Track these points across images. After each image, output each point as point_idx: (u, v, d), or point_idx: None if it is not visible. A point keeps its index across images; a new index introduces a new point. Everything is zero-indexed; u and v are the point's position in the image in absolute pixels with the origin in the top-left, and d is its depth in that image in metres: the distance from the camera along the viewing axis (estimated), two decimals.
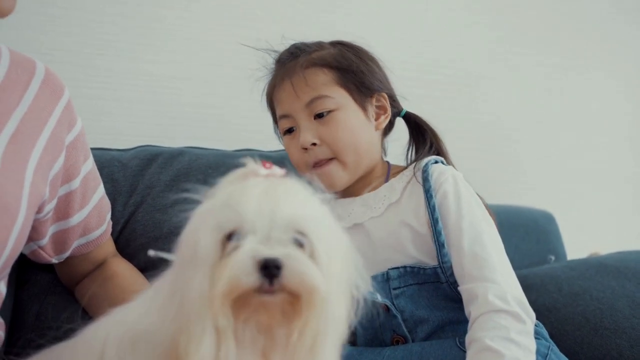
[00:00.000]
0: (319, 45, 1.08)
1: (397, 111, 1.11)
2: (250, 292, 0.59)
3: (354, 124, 1.03)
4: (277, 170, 0.66)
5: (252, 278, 0.58)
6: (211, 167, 1.22)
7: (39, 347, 0.75)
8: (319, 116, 1.02)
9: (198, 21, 1.47)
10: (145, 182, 1.18)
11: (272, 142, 1.29)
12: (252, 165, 0.65)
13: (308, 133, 1.02)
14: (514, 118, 1.88)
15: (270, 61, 1.11)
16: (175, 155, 1.23)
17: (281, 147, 1.33)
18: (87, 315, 0.96)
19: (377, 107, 1.08)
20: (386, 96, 1.08)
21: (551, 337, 1.04)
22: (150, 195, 1.17)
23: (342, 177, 1.04)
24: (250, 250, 0.58)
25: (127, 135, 1.33)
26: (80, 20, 1.35)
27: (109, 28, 1.38)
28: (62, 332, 0.76)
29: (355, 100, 1.04)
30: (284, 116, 1.06)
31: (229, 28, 1.50)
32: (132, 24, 1.41)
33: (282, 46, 1.11)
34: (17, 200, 0.77)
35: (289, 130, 1.06)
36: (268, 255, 0.58)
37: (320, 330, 0.61)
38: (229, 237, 0.60)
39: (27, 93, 0.84)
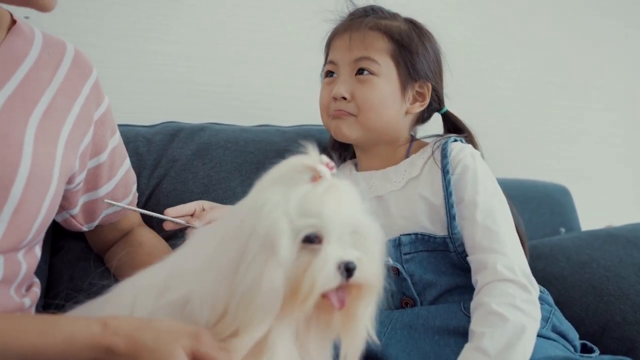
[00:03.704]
0: (393, 16, 1.11)
1: (437, 107, 1.13)
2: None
3: (387, 95, 1.06)
4: (333, 170, 0.71)
5: (336, 280, 0.67)
6: (230, 141, 1.26)
7: (77, 302, 0.82)
8: (360, 73, 1.06)
9: (215, 2, 1.51)
10: (169, 156, 1.22)
11: (286, 118, 1.34)
12: (318, 165, 0.70)
13: (343, 86, 1.06)
14: (530, 93, 1.89)
15: (345, 10, 1.14)
16: (196, 130, 1.27)
17: (296, 123, 1.37)
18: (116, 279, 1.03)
19: (418, 93, 1.10)
20: (430, 87, 1.09)
21: (557, 303, 1.08)
22: (174, 168, 1.21)
23: (353, 133, 1.08)
24: (335, 256, 0.67)
25: (151, 112, 1.37)
26: (102, 4, 1.40)
27: (129, 10, 1.43)
28: (95, 290, 0.82)
29: (399, 76, 1.07)
30: (331, 62, 1.10)
31: (246, 9, 1.53)
32: (152, 4, 1.45)
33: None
34: (50, 173, 0.82)
35: (330, 74, 1.11)
36: (347, 259, 0.67)
37: (367, 313, 0.73)
38: (305, 239, 0.67)
39: (58, 72, 0.89)
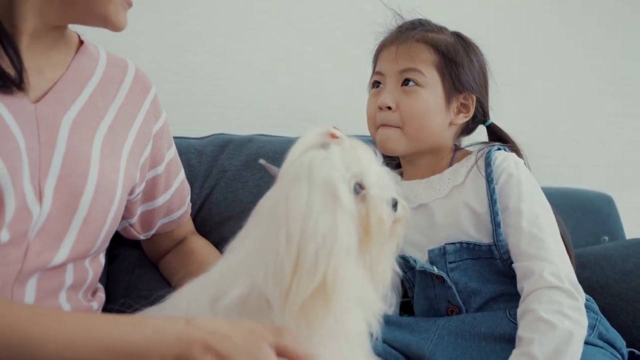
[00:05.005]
0: (440, 29, 1.12)
1: (482, 119, 1.14)
2: None
3: (431, 106, 1.07)
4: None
5: (393, 215, 0.77)
6: (277, 152, 1.27)
7: (134, 310, 0.85)
8: (405, 84, 1.08)
9: (263, 16, 1.55)
10: (219, 167, 1.26)
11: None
12: (332, 129, 0.77)
13: (389, 96, 1.08)
14: (574, 102, 1.88)
15: (393, 23, 1.16)
16: (245, 142, 1.31)
17: None
18: (171, 286, 1.07)
19: (462, 104, 1.11)
20: (474, 98, 1.11)
21: (603, 312, 1.08)
22: (224, 179, 1.25)
23: (398, 145, 1.09)
24: (385, 195, 0.76)
25: (201, 125, 1.42)
26: (155, 20, 1.46)
27: (180, 27, 1.48)
28: (152, 299, 0.84)
29: (444, 88, 1.08)
30: (378, 72, 1.12)
31: (293, 22, 1.57)
32: (201, 21, 1.49)
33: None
34: (114, 184, 0.87)
35: (376, 85, 1.13)
36: (393, 196, 0.78)
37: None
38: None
39: (121, 89, 0.93)
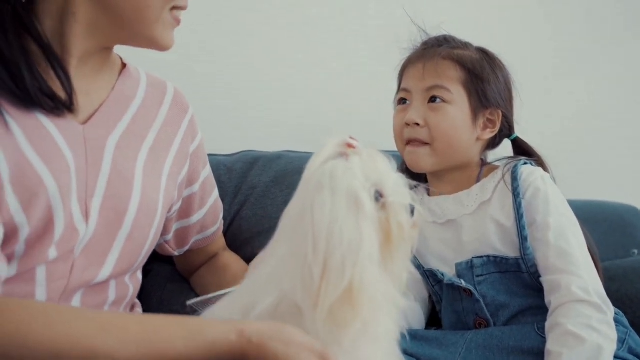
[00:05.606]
0: (465, 45, 1.14)
1: (507, 133, 1.15)
2: None
3: (458, 123, 1.08)
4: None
5: (411, 221, 0.79)
6: None
7: None
8: (432, 100, 1.09)
9: (289, 34, 1.58)
10: (248, 184, 1.28)
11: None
12: (349, 140, 0.79)
13: (416, 113, 1.09)
14: (599, 113, 1.88)
15: (418, 39, 1.18)
16: (274, 158, 1.33)
17: None
18: None
19: (488, 120, 1.12)
20: (500, 114, 1.12)
21: (633, 325, 1.07)
22: (253, 195, 1.27)
23: (428, 162, 1.10)
24: (404, 203, 0.78)
25: (230, 142, 1.44)
26: (184, 37, 1.49)
27: (208, 46, 1.51)
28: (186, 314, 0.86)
29: (471, 104, 1.09)
30: (404, 89, 1.14)
31: (320, 40, 1.59)
32: (228, 39, 1.52)
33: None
34: (156, 204, 0.90)
35: (403, 102, 1.14)
36: (411, 203, 0.80)
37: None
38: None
39: (161, 110, 0.96)
